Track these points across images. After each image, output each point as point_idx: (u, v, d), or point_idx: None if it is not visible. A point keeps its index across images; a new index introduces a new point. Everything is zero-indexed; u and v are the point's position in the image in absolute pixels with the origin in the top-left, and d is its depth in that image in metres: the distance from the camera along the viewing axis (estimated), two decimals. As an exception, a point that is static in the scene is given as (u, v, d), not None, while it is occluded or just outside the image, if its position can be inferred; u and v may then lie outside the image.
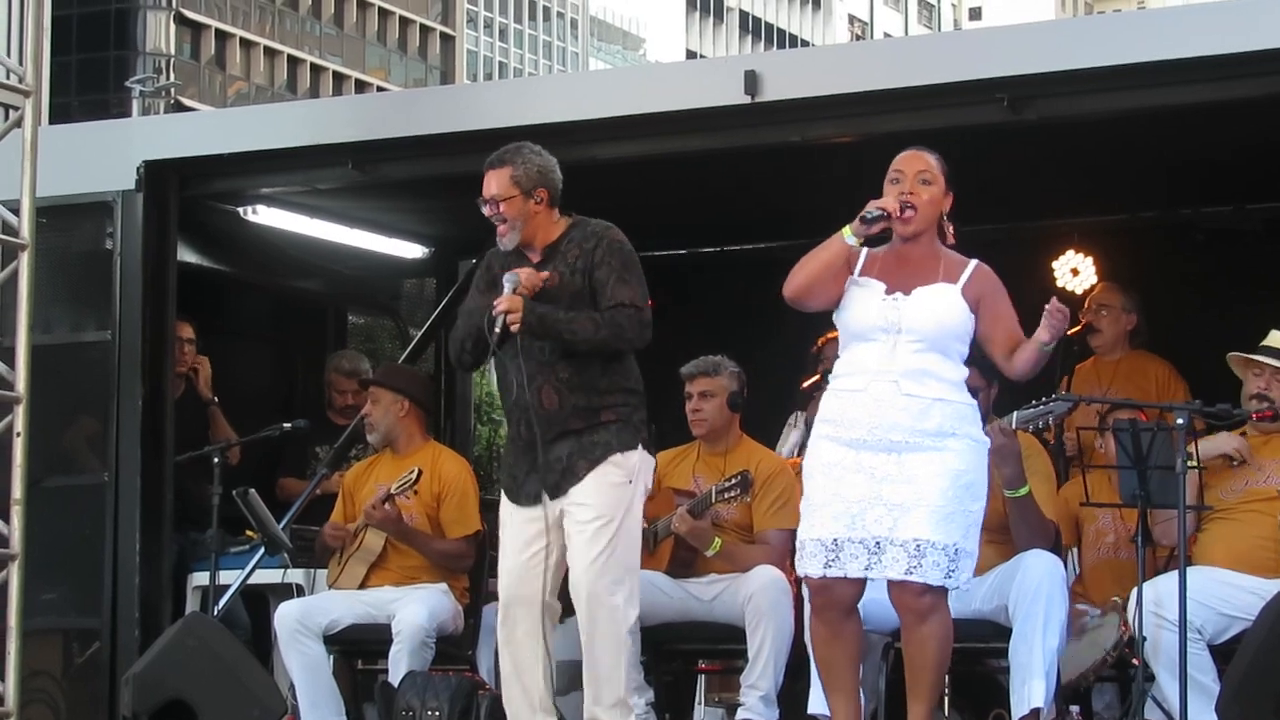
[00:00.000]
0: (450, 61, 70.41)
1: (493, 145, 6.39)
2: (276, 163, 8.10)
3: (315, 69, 64.49)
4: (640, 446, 6.06)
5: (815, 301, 5.50)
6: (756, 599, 6.57)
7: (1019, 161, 7.67)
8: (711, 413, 7.00)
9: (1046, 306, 5.28)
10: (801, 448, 7.78)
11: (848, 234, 5.40)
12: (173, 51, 58.62)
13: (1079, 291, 8.77)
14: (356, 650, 7.44)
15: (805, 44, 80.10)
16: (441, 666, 7.07)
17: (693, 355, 7.09)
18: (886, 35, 78.68)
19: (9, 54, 7.93)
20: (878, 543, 5.29)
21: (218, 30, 60.94)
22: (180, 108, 48.98)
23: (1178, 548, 5.85)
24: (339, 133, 7.92)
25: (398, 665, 6.92)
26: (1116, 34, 6.86)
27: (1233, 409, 6.15)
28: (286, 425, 7.96)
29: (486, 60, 73.55)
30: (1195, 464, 5.87)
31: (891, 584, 5.35)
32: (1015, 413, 6.24)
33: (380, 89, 58.49)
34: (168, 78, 54.69)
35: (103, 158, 8.15)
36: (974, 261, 5.48)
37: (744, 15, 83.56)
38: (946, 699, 6.15)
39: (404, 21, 68.56)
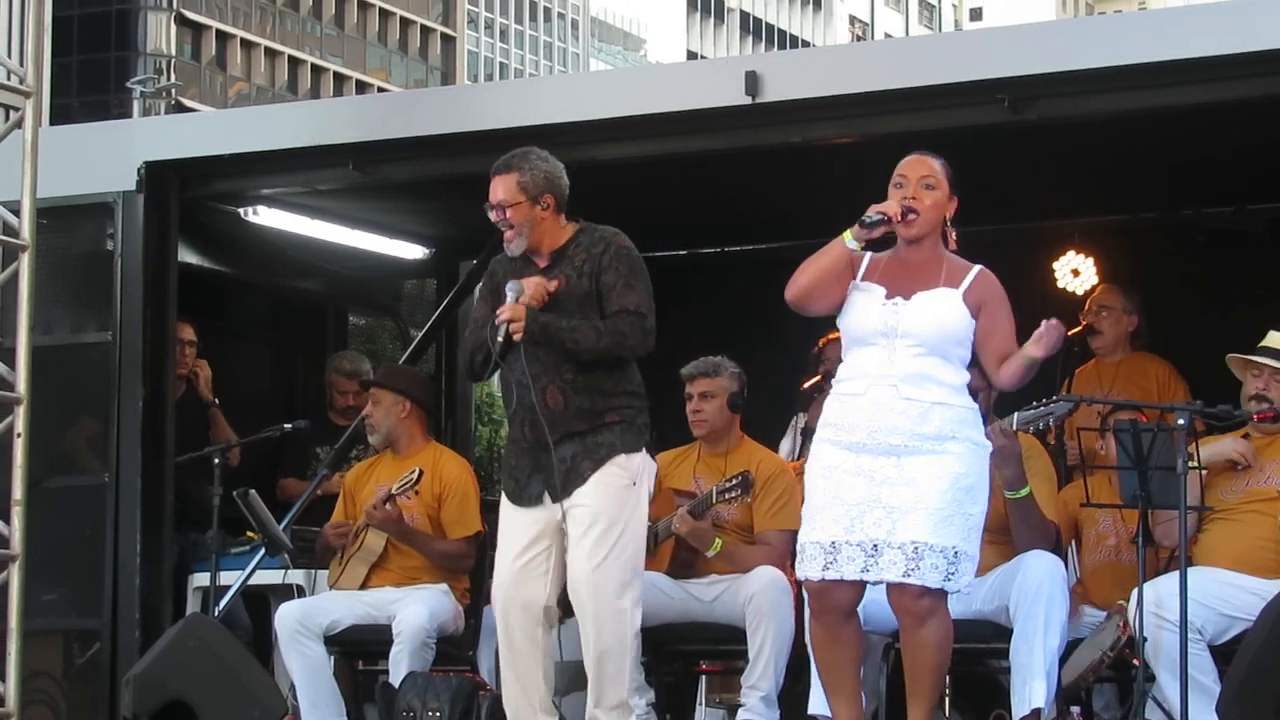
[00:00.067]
0: (451, 62, 70.43)
1: (494, 146, 6.38)
2: (277, 163, 8.10)
3: (316, 70, 64.51)
4: (644, 450, 6.06)
5: (817, 305, 5.50)
6: (757, 600, 6.57)
7: (1020, 162, 7.67)
8: (712, 413, 7.00)
9: (1045, 322, 5.26)
10: (798, 451, 7.81)
11: (848, 238, 5.40)
12: (173, 52, 58.65)
13: (1079, 292, 8.77)
14: (357, 651, 7.44)
15: (806, 45, 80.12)
16: (442, 667, 7.07)
17: (693, 356, 7.09)
18: (887, 36, 78.69)
19: (9, 55, 7.93)
20: (875, 545, 5.29)
21: (218, 31, 60.96)
22: (181, 108, 49.00)
23: (1178, 549, 5.84)
24: (340, 133, 7.92)
25: (398, 666, 6.92)
26: (1117, 35, 6.86)
27: (1233, 410, 6.15)
28: (287, 426, 7.96)
29: (487, 61, 73.57)
30: (1196, 465, 5.87)
31: (890, 587, 5.34)
32: (1016, 414, 6.24)
33: (381, 90, 58.48)
34: (168, 78, 54.74)
35: (103, 158, 8.15)
36: (978, 267, 5.48)
37: (745, 16, 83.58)
38: (947, 699, 6.15)
39: (405, 22, 68.58)
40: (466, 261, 9.80)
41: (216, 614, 7.35)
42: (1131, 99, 6.72)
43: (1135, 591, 5.86)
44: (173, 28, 58.97)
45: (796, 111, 7.12)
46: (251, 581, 7.78)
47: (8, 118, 7.21)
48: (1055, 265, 9.01)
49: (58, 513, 7.78)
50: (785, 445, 8.04)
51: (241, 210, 8.71)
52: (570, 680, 6.43)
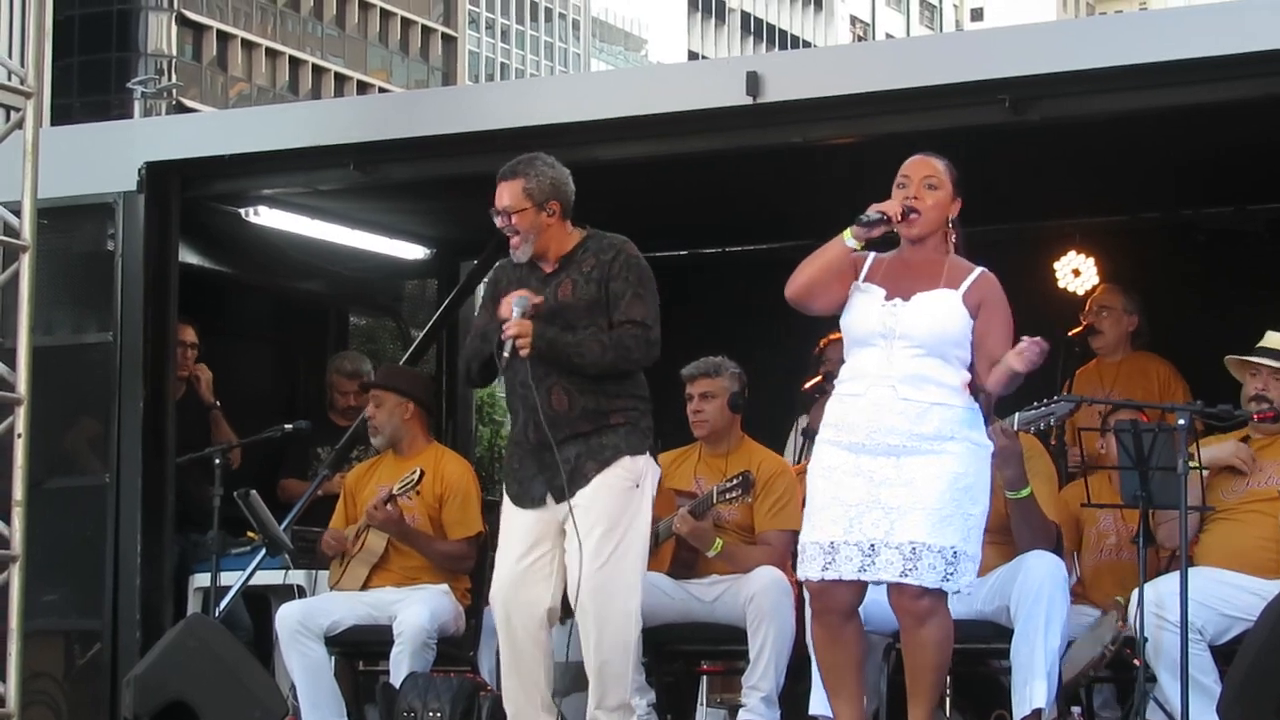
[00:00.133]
0: (452, 63, 70.44)
1: (495, 146, 6.39)
2: (278, 164, 8.10)
3: (317, 70, 64.52)
4: (648, 452, 6.06)
5: (817, 303, 5.50)
6: (758, 600, 6.56)
7: (1020, 162, 7.66)
8: (712, 414, 7.00)
9: (1026, 338, 5.25)
10: (800, 453, 7.81)
11: (848, 237, 5.40)
12: (174, 53, 58.68)
13: (1080, 292, 8.77)
14: (358, 651, 7.44)
15: (807, 45, 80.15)
16: (443, 668, 7.07)
17: (694, 356, 7.09)
18: (888, 36, 78.70)
19: (10, 55, 7.93)
20: (872, 545, 5.29)
21: (219, 31, 60.98)
22: (182, 109, 49.01)
23: (1179, 549, 5.84)
24: (341, 134, 7.92)
25: (399, 666, 6.92)
26: (1118, 35, 6.85)
27: (1233, 410, 6.15)
28: (288, 426, 7.96)
29: (488, 61, 73.58)
30: (1196, 465, 5.87)
31: (890, 587, 5.35)
32: (1017, 414, 6.24)
33: (382, 90, 58.49)
34: (169, 79, 54.77)
35: (104, 159, 8.15)
36: (979, 269, 5.47)
37: (745, 16, 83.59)
38: (948, 700, 6.15)
39: (406, 23, 68.59)
40: (467, 262, 9.81)
41: (217, 614, 7.35)
42: (1132, 99, 6.72)
43: (1135, 592, 5.86)
44: (174, 28, 58.99)
45: (797, 112, 7.12)
46: (252, 582, 7.78)
47: (9, 118, 7.21)
48: (1056, 265, 9.01)
49: (58, 513, 7.78)
50: (789, 448, 8.03)
51: (242, 210, 8.71)
52: (571, 681, 6.43)
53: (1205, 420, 6.21)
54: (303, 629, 7.11)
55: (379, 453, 7.71)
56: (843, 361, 5.56)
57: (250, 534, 7.81)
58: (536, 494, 6.03)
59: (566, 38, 78.66)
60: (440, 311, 9.85)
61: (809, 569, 5.39)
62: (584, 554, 5.88)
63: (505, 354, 5.90)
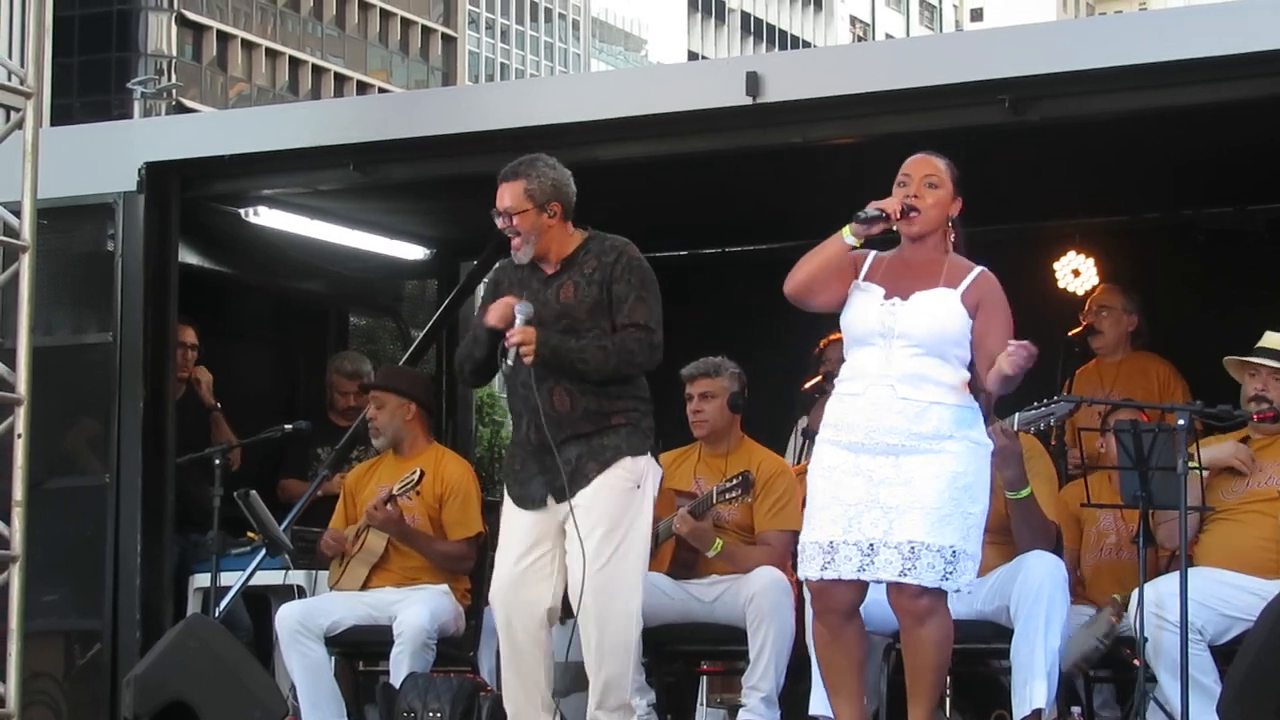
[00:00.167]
0: (452, 63, 70.43)
1: (495, 147, 6.39)
2: (278, 164, 8.10)
3: (317, 70, 64.51)
4: (649, 453, 6.06)
5: (816, 300, 5.50)
6: (758, 600, 6.56)
7: (1020, 163, 7.66)
8: (712, 414, 7.00)
9: (1013, 342, 5.24)
10: (800, 454, 7.81)
11: (846, 234, 5.40)
12: (174, 53, 58.67)
13: (1080, 293, 8.77)
14: (358, 652, 7.44)
15: (807, 45, 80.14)
16: (443, 668, 7.07)
17: (693, 356, 7.09)
18: (888, 36, 78.71)
19: (10, 55, 7.93)
20: (871, 545, 5.29)
21: (219, 31, 60.97)
22: (182, 109, 49.02)
23: (1179, 549, 5.84)
24: (340, 134, 7.92)
25: (399, 667, 6.92)
26: (1118, 35, 6.85)
27: (1233, 410, 6.15)
28: (288, 426, 7.96)
29: (488, 62, 73.57)
30: (1196, 465, 5.87)
31: (890, 586, 5.35)
32: (1017, 414, 6.24)
33: (382, 90, 58.49)
34: (169, 79, 54.76)
35: (104, 159, 8.15)
36: (979, 268, 5.47)
37: (745, 16, 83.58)
38: (948, 700, 6.15)
39: (406, 23, 68.58)
40: (467, 262, 9.80)
41: (217, 615, 7.35)
42: (1132, 99, 6.71)
43: (1135, 592, 5.86)
44: (173, 28, 58.98)
45: (797, 112, 7.12)
46: (252, 582, 7.78)
47: (8, 118, 7.21)
48: (1056, 266, 9.01)
49: (58, 513, 7.78)
50: (790, 450, 8.03)
51: (242, 211, 8.71)
52: (571, 681, 6.43)
53: (1205, 420, 6.21)
54: (303, 629, 7.11)
55: (379, 453, 7.71)
56: (843, 361, 5.56)
57: (250, 534, 7.81)
58: (537, 495, 6.03)
59: (566, 38, 78.66)
60: (440, 312, 9.84)
61: (808, 568, 5.39)
62: (585, 554, 5.88)
63: (509, 361, 5.91)
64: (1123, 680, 6.52)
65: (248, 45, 62.15)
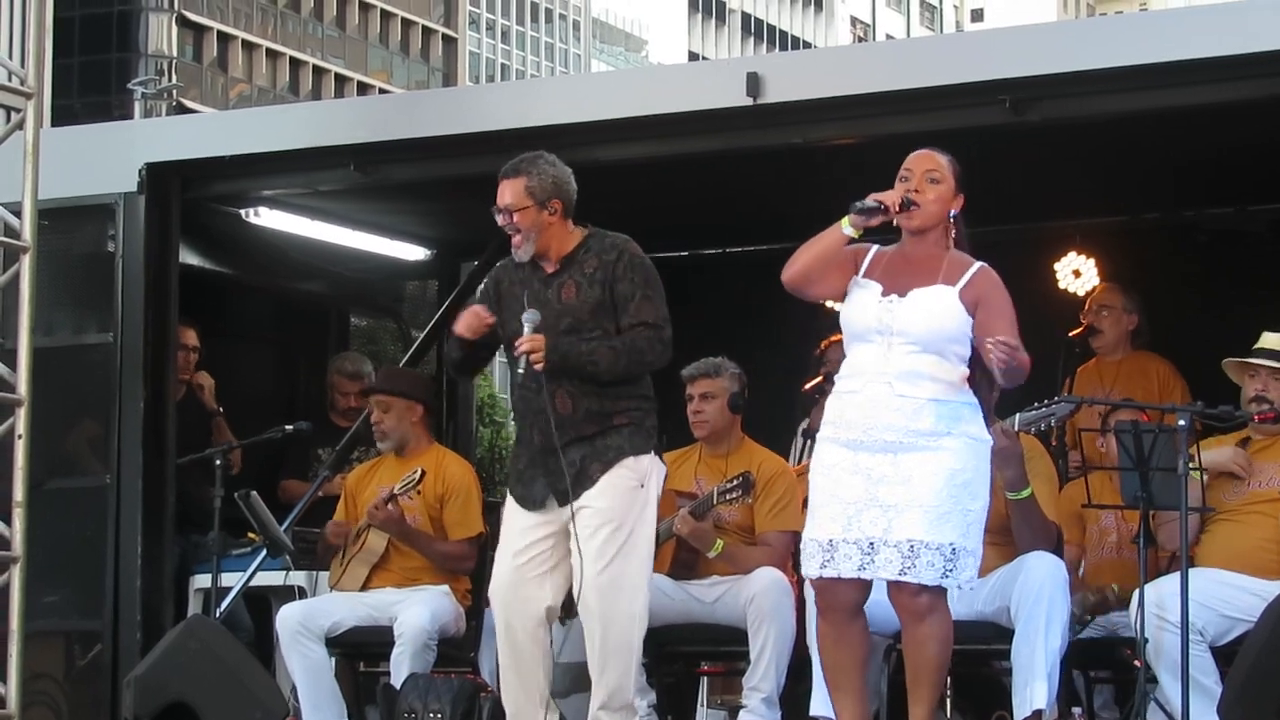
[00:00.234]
0: (452, 63, 70.43)
1: (495, 147, 6.38)
2: (278, 165, 8.10)
3: (317, 71, 64.52)
4: (652, 452, 6.06)
5: (813, 289, 5.51)
6: (758, 600, 6.56)
7: (1021, 163, 7.66)
8: (713, 414, 7.00)
9: (989, 340, 5.24)
10: (801, 455, 7.81)
11: (845, 224, 5.40)
12: (175, 53, 58.66)
13: (1081, 293, 8.77)
14: (358, 653, 7.45)
15: (807, 46, 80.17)
16: (443, 669, 7.07)
17: (694, 357, 7.09)
18: (888, 37, 78.72)
19: (11, 56, 7.92)
20: (871, 543, 5.29)
21: (220, 32, 60.97)
22: (182, 110, 49.01)
23: (1180, 550, 5.84)
24: (341, 135, 7.93)
25: (400, 667, 6.92)
26: (1118, 35, 6.86)
27: (1234, 411, 6.15)
28: (289, 427, 7.96)
29: (489, 62, 73.56)
30: (1197, 466, 5.86)
31: (889, 584, 5.36)
32: (1018, 415, 6.24)
33: (382, 91, 58.50)
34: (170, 80, 54.75)
35: (105, 160, 8.16)
36: (978, 264, 5.46)
37: (746, 17, 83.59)
38: (949, 701, 6.15)
39: (406, 23, 68.58)
40: (468, 263, 9.81)
41: (218, 615, 7.34)
42: (1133, 100, 6.71)
43: (1136, 592, 5.86)
44: (174, 29, 58.98)
45: (798, 113, 7.12)
46: (253, 583, 7.79)
47: (9, 119, 7.21)
48: (1056, 266, 9.01)
49: (59, 514, 7.78)
50: (793, 452, 8.03)
51: (243, 211, 8.71)
52: (571, 681, 6.43)
53: (1204, 421, 6.21)
54: (303, 630, 7.11)
55: (380, 453, 7.71)
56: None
57: (251, 535, 7.81)
58: (539, 496, 6.03)
59: (567, 39, 78.66)
60: (441, 312, 9.83)
61: (809, 566, 5.41)
62: (589, 554, 5.88)
63: (520, 369, 5.90)
64: (1123, 681, 6.52)
65: (248, 46, 62.15)
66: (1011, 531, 6.16)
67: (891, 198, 5.41)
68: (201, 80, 60.14)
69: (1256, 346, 6.26)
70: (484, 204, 6.13)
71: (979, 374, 5.43)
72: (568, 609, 6.09)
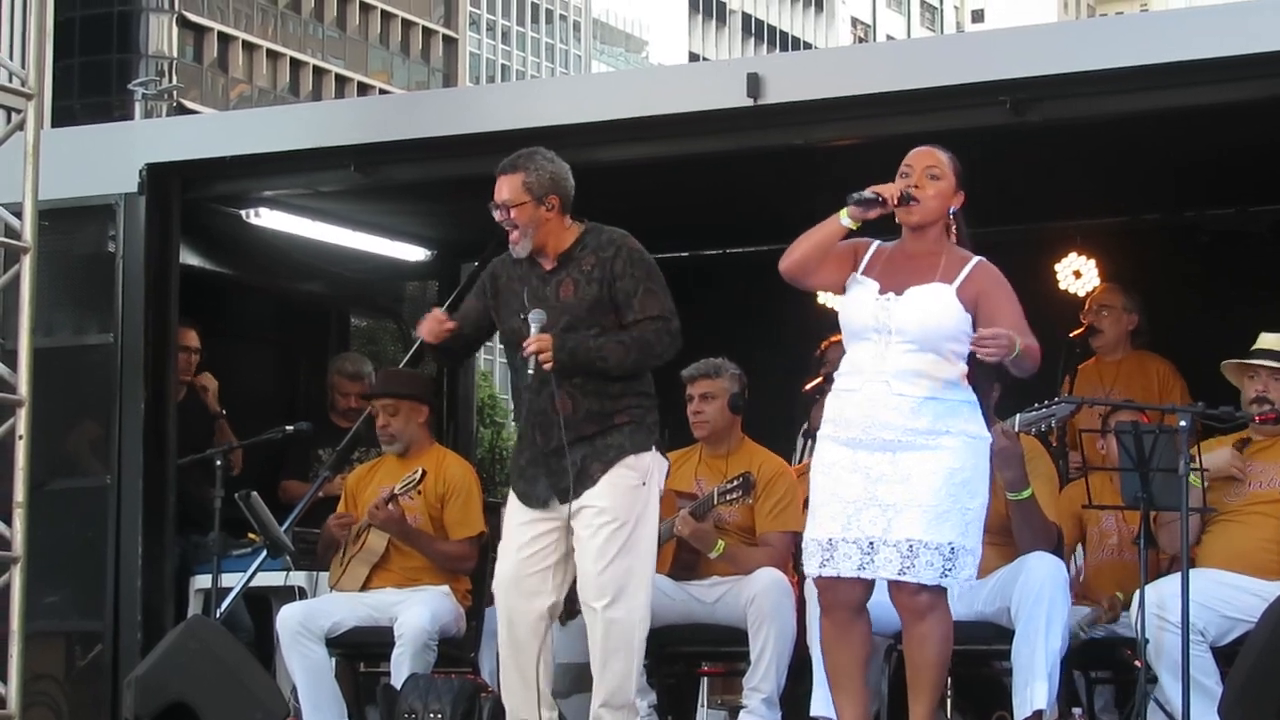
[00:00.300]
0: (453, 64, 70.43)
1: (495, 148, 6.38)
2: (279, 165, 8.10)
3: (318, 71, 64.52)
4: (654, 448, 6.06)
5: (811, 279, 5.52)
6: (759, 601, 6.56)
7: (1021, 164, 7.66)
8: (713, 415, 7.00)
9: (976, 332, 5.24)
10: (801, 455, 7.81)
11: (844, 215, 5.41)
12: (175, 54, 58.68)
13: (1081, 294, 8.77)
14: (359, 653, 7.45)
15: (808, 46, 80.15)
16: (444, 669, 7.07)
17: (694, 357, 7.08)
18: (889, 38, 78.72)
19: (11, 57, 7.92)
20: (871, 543, 5.30)
21: (220, 33, 60.97)
22: (183, 110, 49.02)
23: (1180, 551, 5.84)
24: (341, 135, 7.93)
25: (400, 668, 6.92)
26: (1119, 36, 6.86)
27: (1235, 411, 6.15)
28: (289, 428, 7.96)
29: (489, 63, 73.56)
30: (1197, 467, 5.86)
31: (889, 583, 5.36)
32: (1018, 415, 6.24)
33: (383, 92, 58.51)
34: (170, 80, 54.76)
35: (105, 160, 8.16)
36: (976, 259, 5.46)
37: (746, 18, 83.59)
38: (949, 701, 6.15)
39: (406, 24, 68.58)
40: (468, 264, 9.80)
41: (218, 616, 7.34)
42: (1133, 101, 6.71)
43: (1137, 593, 5.86)
44: (174, 30, 59.00)
45: (798, 113, 7.12)
46: (253, 583, 7.78)
47: (9, 120, 7.21)
48: (1057, 267, 9.01)
49: (59, 515, 7.79)
50: (796, 455, 8.03)
51: (243, 212, 8.71)
52: (571, 681, 6.43)
53: (1205, 421, 6.21)
54: (304, 630, 7.11)
55: (380, 454, 7.71)
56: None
57: (251, 535, 7.81)
58: (541, 495, 6.03)
59: (567, 39, 78.65)
60: (441, 313, 9.83)
61: (808, 565, 5.41)
62: (591, 553, 5.89)
63: (530, 370, 5.90)
64: (1124, 681, 6.52)
65: (249, 47, 62.16)
66: (1012, 532, 6.16)
67: (890, 190, 5.41)
68: (202, 81, 60.14)
69: (1255, 347, 6.26)
70: (484, 204, 6.13)
71: (979, 372, 5.43)
72: (569, 609, 6.09)
